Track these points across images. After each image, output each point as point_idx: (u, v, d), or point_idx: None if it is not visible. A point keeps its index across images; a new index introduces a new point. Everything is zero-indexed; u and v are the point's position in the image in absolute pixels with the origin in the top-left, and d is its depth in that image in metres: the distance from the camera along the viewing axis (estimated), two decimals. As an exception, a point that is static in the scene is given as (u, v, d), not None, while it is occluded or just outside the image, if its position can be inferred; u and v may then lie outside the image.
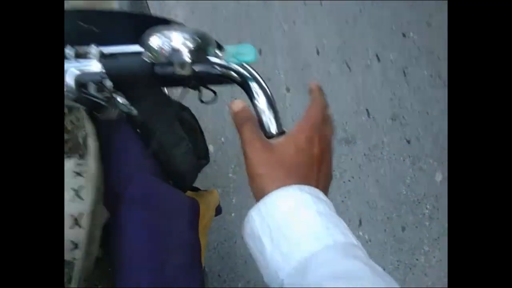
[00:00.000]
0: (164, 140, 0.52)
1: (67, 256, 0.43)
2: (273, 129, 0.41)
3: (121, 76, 0.40)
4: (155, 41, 0.37)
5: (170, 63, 0.38)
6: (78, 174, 0.45)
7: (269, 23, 1.89)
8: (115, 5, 0.56)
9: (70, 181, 0.45)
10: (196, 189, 0.75)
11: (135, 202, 0.46)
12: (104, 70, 0.40)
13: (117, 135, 0.49)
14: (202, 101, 0.44)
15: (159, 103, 0.48)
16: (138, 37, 0.44)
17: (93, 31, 0.43)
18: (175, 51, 0.36)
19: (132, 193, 0.46)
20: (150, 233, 0.47)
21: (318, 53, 1.83)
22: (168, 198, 0.53)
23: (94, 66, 0.40)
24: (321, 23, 1.91)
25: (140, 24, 0.47)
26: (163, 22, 0.47)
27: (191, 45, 0.36)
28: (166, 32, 0.37)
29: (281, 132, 0.41)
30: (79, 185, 0.45)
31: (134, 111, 0.51)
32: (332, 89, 1.74)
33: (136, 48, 0.43)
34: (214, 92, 0.42)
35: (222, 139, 1.48)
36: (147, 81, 0.42)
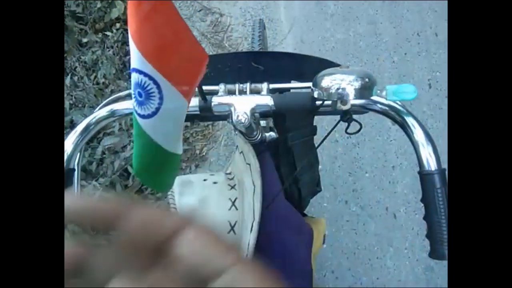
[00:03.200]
0: (299, 166, 0.56)
1: None
2: (433, 164, 0.40)
3: (287, 108, 0.46)
4: (327, 81, 0.41)
5: (333, 99, 0.42)
6: (232, 187, 0.53)
7: (378, 53, 1.86)
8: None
9: (227, 193, 0.52)
10: (304, 215, 0.78)
11: (276, 220, 0.50)
12: (273, 103, 0.46)
13: (260, 157, 0.54)
14: (347, 133, 0.47)
15: (304, 131, 0.53)
16: (295, 73, 0.51)
17: (260, 70, 0.52)
18: (343, 90, 0.40)
19: (273, 212, 0.50)
20: (284, 252, 0.51)
21: (430, 86, 1.71)
22: (298, 221, 0.58)
23: (266, 99, 0.47)
24: (435, 55, 1.79)
25: (298, 63, 0.55)
26: (319, 61, 0.54)
27: (357, 85, 0.39)
28: (337, 74, 0.41)
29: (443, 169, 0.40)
30: (235, 197, 0.51)
31: (275, 136, 0.58)
32: (444, 128, 1.59)
33: (297, 84, 0.49)
34: (360, 124, 0.44)
35: (320, 166, 1.49)
36: (307, 112, 0.48)
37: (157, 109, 0.31)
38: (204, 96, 0.44)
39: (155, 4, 0.25)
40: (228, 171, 0.62)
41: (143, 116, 0.32)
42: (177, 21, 0.26)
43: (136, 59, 0.28)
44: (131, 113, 0.46)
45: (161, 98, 0.30)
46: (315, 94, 0.42)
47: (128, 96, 0.49)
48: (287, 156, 0.56)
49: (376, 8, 2.08)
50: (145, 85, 0.29)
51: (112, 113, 0.45)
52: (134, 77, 0.29)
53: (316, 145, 0.66)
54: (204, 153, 1.57)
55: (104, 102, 0.47)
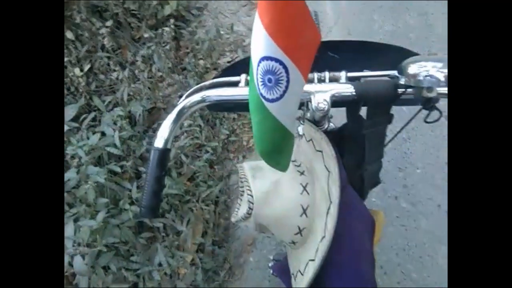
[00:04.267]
0: (368, 155, 0.56)
1: (294, 238, 0.54)
2: None
3: (368, 96, 0.46)
4: (414, 68, 0.41)
5: (416, 87, 0.42)
6: (302, 173, 0.55)
7: (429, 45, 1.79)
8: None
9: (298, 178, 0.54)
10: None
11: (344, 207, 0.52)
12: (354, 91, 0.47)
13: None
14: (426, 121, 0.46)
15: (380, 120, 0.52)
16: (369, 61, 0.51)
17: (336, 58, 0.54)
18: (432, 76, 0.39)
19: (344, 200, 0.52)
20: (352, 238, 0.53)
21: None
22: (363, 210, 0.59)
23: (346, 87, 0.48)
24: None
25: (374, 51, 0.55)
26: (396, 49, 0.54)
27: (445, 72, 0.39)
28: (425, 61, 0.41)
29: None
30: (306, 182, 0.53)
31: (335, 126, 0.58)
32: None
33: (375, 72, 0.50)
34: (441, 112, 0.43)
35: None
36: (387, 101, 0.47)
37: (284, 92, 0.34)
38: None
39: None
40: (292, 159, 0.64)
41: (270, 100, 0.34)
42: (302, 5, 0.29)
43: (267, 47, 0.30)
44: (220, 100, 0.49)
45: (288, 81, 0.33)
46: (401, 81, 0.42)
47: (215, 85, 0.52)
48: (357, 145, 0.57)
49: (429, -2, 2.00)
50: (276, 71, 0.32)
51: (203, 99, 0.48)
52: (265, 64, 0.32)
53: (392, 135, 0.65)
54: (251, 145, 1.60)
55: (191, 90, 0.50)
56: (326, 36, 1.96)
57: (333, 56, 0.55)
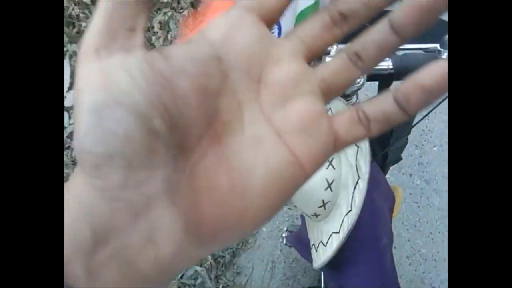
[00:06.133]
0: (397, 132, 0.57)
1: (317, 211, 0.54)
2: None
3: (406, 71, 0.45)
4: None
5: None
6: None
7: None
8: None
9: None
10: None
11: (370, 182, 0.52)
12: (392, 65, 0.46)
13: None
14: None
15: None
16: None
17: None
18: None
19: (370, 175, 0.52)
20: (374, 212, 0.54)
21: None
22: (385, 185, 0.60)
23: (383, 61, 0.46)
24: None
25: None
26: (439, 22, 0.53)
27: None
28: None
29: None
30: (331, 157, 0.52)
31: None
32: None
33: (416, 45, 0.48)
34: None
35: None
36: None
37: None
38: (321, 57, 0.45)
39: None
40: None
41: None
42: None
43: None
44: None
45: None
46: (443, 56, 0.41)
47: None
48: None
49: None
50: None
51: None
52: None
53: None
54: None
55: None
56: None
57: (368, 26, 0.52)
